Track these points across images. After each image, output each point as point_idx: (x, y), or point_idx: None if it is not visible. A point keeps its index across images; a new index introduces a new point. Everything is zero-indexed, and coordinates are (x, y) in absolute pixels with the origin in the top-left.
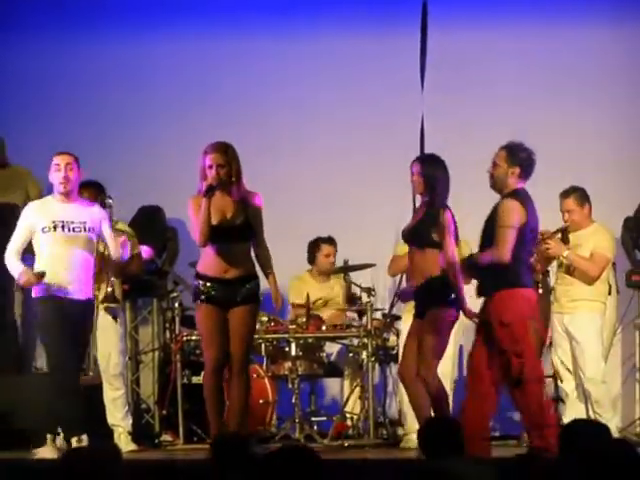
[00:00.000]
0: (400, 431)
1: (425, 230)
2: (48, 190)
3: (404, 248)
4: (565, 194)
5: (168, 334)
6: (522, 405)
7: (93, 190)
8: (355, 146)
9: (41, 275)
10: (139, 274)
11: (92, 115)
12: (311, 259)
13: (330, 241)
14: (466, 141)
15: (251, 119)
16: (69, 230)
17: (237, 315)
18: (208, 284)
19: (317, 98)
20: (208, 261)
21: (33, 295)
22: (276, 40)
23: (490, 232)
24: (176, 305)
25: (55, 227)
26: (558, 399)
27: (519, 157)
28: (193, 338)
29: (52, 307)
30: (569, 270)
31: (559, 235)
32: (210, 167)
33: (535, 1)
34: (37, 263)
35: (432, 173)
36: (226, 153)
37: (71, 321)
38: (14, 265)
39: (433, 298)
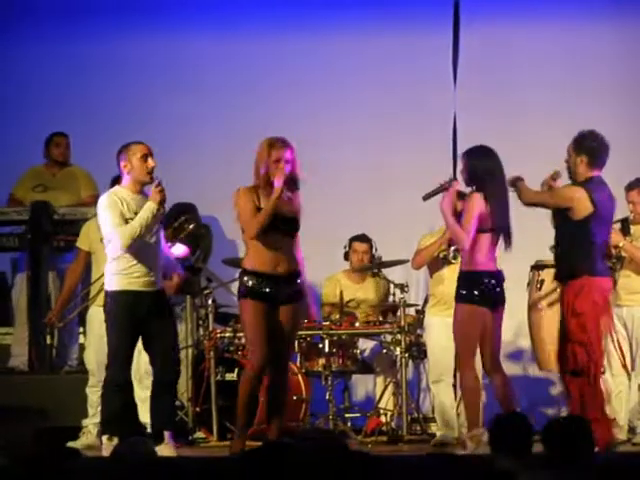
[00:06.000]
0: (434, 427)
1: None
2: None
3: (426, 242)
4: (630, 186)
5: (202, 331)
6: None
7: None
8: (387, 145)
9: None
10: None
11: (124, 112)
12: (346, 258)
13: (363, 239)
14: (499, 139)
15: (283, 119)
16: None
17: (285, 313)
18: (260, 280)
19: (349, 98)
20: (258, 256)
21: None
22: (308, 39)
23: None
24: (209, 302)
25: None
26: None
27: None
28: (227, 335)
29: None
30: (626, 261)
31: (619, 225)
32: (278, 161)
33: (571, 0)
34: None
35: (473, 163)
36: (291, 148)
37: None
38: None
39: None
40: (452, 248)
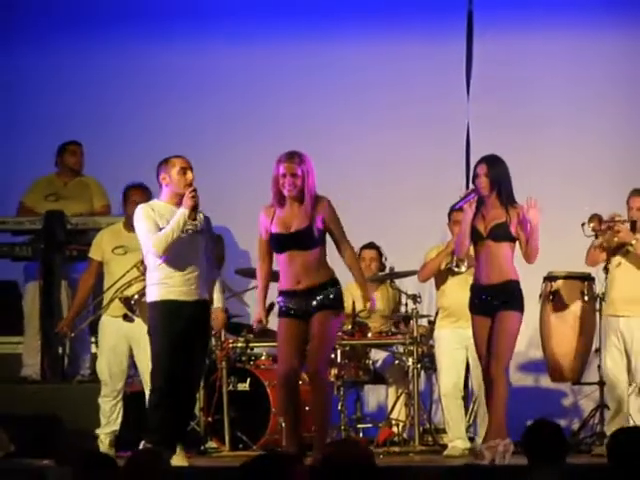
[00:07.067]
0: (445, 438)
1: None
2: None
3: (432, 255)
4: (636, 192)
5: (214, 341)
6: None
7: (143, 192)
8: (400, 154)
9: None
10: None
11: (139, 123)
12: None
13: (371, 246)
14: (511, 149)
15: (297, 132)
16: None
17: (312, 323)
18: (285, 298)
19: (363, 110)
20: (282, 275)
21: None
22: (323, 53)
23: None
24: None
25: None
26: (603, 406)
27: None
28: (239, 345)
29: None
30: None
31: (628, 225)
32: (284, 176)
33: (584, 12)
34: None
35: (495, 169)
36: (300, 162)
37: None
38: None
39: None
40: (455, 257)
